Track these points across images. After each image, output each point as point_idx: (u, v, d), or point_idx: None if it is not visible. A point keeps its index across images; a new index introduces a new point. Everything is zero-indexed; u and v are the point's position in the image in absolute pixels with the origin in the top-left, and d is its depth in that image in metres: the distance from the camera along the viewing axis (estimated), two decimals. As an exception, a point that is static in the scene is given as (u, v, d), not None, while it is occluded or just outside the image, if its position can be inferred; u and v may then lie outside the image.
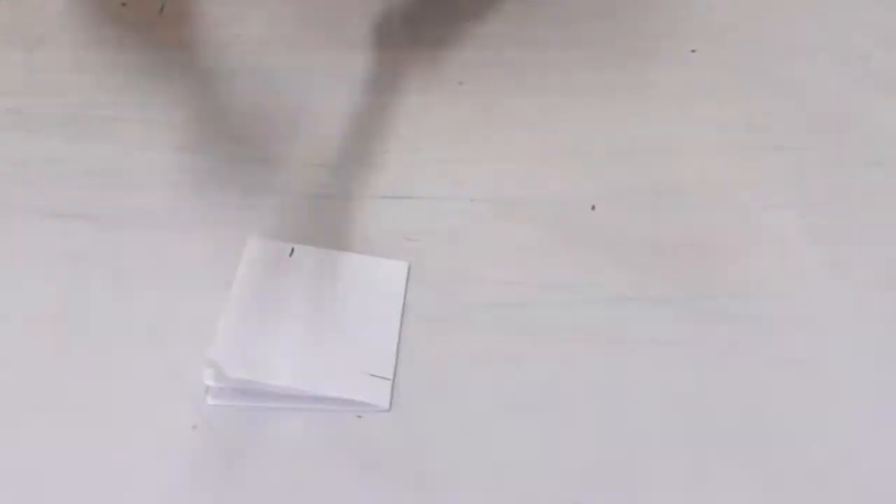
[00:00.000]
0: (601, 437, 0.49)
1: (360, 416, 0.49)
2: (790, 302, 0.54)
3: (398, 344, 0.52)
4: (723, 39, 0.73)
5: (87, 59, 0.77)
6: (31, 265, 0.58)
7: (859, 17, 0.77)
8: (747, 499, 0.47)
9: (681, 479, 0.47)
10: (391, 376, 0.50)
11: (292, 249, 0.56)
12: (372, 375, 0.50)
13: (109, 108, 0.71)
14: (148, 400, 0.49)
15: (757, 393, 0.49)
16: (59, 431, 0.49)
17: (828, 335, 0.52)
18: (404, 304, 0.54)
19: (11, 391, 0.51)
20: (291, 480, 0.47)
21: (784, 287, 0.54)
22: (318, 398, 0.49)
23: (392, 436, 0.49)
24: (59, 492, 0.46)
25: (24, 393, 0.51)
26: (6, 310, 0.55)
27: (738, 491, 0.47)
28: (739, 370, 0.49)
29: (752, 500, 0.46)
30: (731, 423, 0.48)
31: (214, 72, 0.68)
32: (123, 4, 0.84)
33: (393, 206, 0.62)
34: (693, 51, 0.71)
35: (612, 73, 0.71)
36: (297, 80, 0.69)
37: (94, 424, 0.49)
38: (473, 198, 0.62)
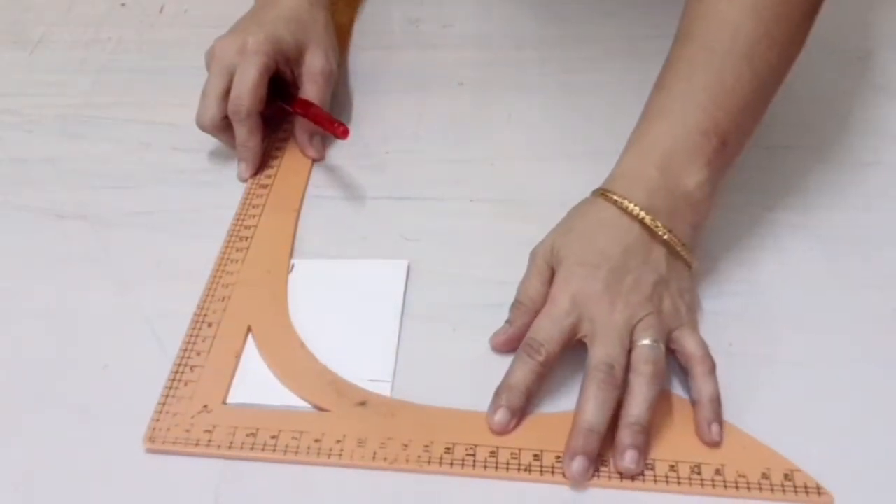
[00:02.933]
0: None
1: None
2: (790, 302, 0.54)
3: (398, 344, 0.52)
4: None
5: (87, 59, 0.77)
6: (31, 265, 0.58)
7: (859, 17, 0.77)
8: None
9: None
10: (390, 378, 0.50)
11: (292, 265, 0.56)
12: (371, 381, 0.50)
13: (109, 108, 0.71)
14: (148, 399, 0.49)
15: (756, 393, 0.49)
16: (58, 430, 0.49)
17: (827, 335, 0.52)
18: (404, 303, 0.54)
19: (10, 390, 0.51)
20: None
21: (784, 287, 0.54)
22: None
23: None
24: (60, 491, 0.46)
25: (23, 392, 0.51)
26: (6, 309, 0.55)
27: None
28: (739, 370, 0.49)
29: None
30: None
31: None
32: (123, 4, 0.84)
33: (393, 206, 0.62)
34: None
35: (612, 73, 0.71)
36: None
37: (93, 423, 0.49)
38: (473, 198, 0.62)
